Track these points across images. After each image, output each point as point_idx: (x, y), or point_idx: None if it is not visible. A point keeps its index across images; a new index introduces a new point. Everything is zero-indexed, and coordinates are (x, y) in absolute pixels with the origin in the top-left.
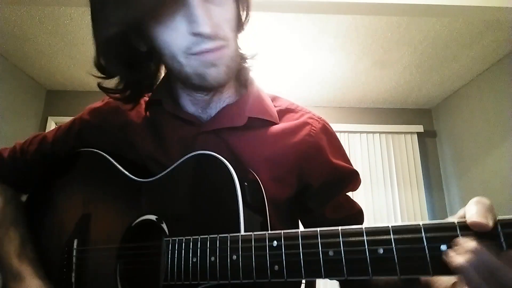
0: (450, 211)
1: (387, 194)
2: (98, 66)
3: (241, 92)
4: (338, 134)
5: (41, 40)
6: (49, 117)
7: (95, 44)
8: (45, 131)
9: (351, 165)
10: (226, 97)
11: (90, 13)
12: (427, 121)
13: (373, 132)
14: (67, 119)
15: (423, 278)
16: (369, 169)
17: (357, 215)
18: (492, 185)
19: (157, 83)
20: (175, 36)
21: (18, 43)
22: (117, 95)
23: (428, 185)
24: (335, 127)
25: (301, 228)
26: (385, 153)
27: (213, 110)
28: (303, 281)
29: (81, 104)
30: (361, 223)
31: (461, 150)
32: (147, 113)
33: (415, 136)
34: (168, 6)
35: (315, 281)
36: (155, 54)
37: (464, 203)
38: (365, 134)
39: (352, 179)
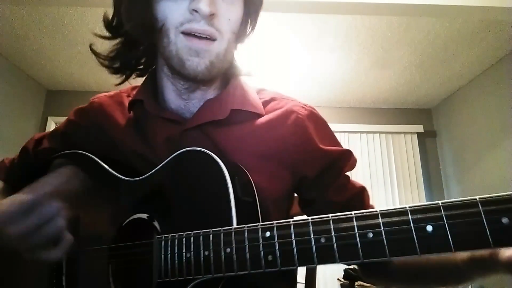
0: None
1: (387, 194)
2: (108, 22)
3: (224, 87)
4: (338, 134)
5: (41, 40)
6: (49, 117)
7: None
8: (45, 131)
9: (341, 146)
10: (210, 97)
11: None
12: (427, 121)
13: (373, 132)
14: None
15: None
16: (369, 169)
17: (361, 192)
18: (492, 185)
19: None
20: (174, 9)
21: (18, 43)
22: (106, 62)
23: (428, 185)
24: (335, 127)
25: None
26: (385, 153)
27: (195, 108)
28: (302, 280)
29: (81, 104)
30: (368, 200)
31: (461, 150)
32: (131, 112)
33: (415, 136)
34: None
35: (314, 280)
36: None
37: None
38: (365, 134)
39: (346, 159)
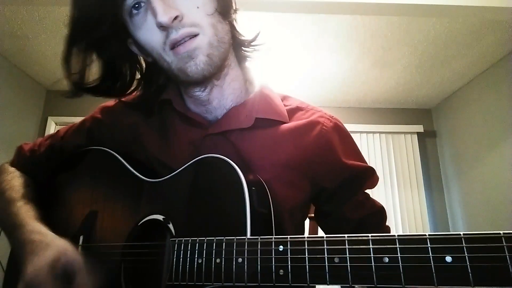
0: (450, 211)
1: (387, 194)
2: (112, 88)
3: (248, 91)
4: None
5: (41, 40)
6: (49, 117)
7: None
8: (45, 131)
9: (365, 162)
10: (229, 92)
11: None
12: (427, 121)
13: (373, 132)
14: (67, 119)
15: None
16: None
17: (378, 213)
18: (492, 185)
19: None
20: (151, 35)
21: (18, 43)
22: (142, 104)
23: (428, 185)
24: None
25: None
26: (385, 153)
27: (218, 110)
28: None
29: (81, 104)
30: (384, 221)
31: (461, 150)
32: (157, 113)
33: (415, 136)
34: (139, 8)
35: None
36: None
37: (464, 203)
38: (365, 134)
39: (367, 177)
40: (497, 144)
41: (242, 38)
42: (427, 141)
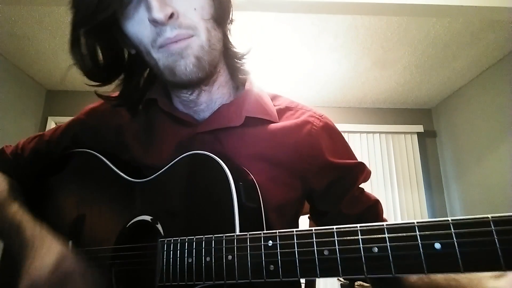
0: (450, 211)
1: (387, 194)
2: (90, 72)
3: (237, 92)
4: None
5: (41, 40)
6: (49, 117)
7: (82, 51)
8: (45, 131)
9: (354, 158)
10: (218, 97)
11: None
12: (427, 121)
13: (373, 132)
14: (67, 119)
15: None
16: None
17: (375, 205)
18: (492, 185)
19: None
20: (141, 29)
21: (18, 43)
22: (117, 101)
23: (428, 185)
24: None
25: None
26: (385, 153)
27: (206, 112)
28: (303, 281)
29: (81, 104)
30: (382, 214)
31: (461, 150)
32: (144, 113)
33: (415, 136)
34: None
35: (314, 281)
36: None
37: (464, 203)
38: (365, 134)
39: (359, 172)
40: (497, 144)
41: (234, 50)
42: (427, 141)
